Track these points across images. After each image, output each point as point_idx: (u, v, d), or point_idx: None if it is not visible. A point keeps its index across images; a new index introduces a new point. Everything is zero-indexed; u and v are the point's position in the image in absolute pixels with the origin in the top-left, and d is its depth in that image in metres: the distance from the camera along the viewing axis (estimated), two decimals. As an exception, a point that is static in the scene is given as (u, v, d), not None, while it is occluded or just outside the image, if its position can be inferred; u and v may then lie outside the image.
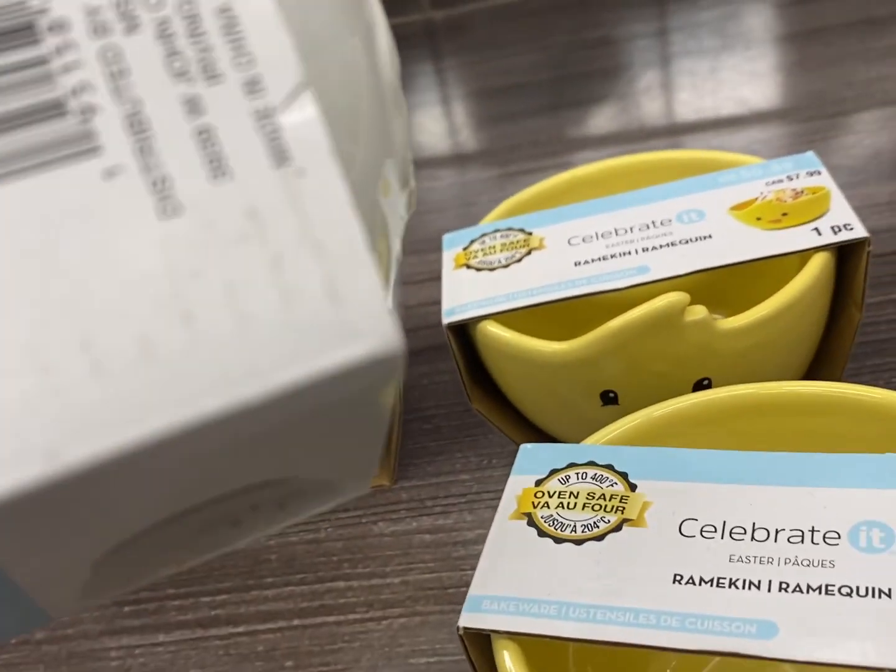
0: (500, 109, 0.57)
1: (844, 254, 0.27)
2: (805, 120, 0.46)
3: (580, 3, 0.66)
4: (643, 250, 0.28)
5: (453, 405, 0.34)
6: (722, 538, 0.19)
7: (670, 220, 0.28)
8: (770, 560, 0.18)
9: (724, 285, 0.30)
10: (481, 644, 0.19)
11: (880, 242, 0.36)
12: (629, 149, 0.48)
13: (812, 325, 0.27)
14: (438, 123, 0.58)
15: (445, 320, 0.28)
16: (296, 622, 0.28)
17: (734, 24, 0.57)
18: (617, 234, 0.29)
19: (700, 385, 0.25)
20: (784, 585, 0.18)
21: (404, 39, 0.78)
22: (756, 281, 0.28)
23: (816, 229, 0.26)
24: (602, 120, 0.52)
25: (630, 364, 0.25)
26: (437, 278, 0.30)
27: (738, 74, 0.52)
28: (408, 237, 0.46)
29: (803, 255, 0.26)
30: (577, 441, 0.23)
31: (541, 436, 0.30)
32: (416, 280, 0.40)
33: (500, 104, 0.57)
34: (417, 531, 0.30)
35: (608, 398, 0.26)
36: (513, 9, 0.69)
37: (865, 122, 0.44)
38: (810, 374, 0.29)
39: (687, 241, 0.27)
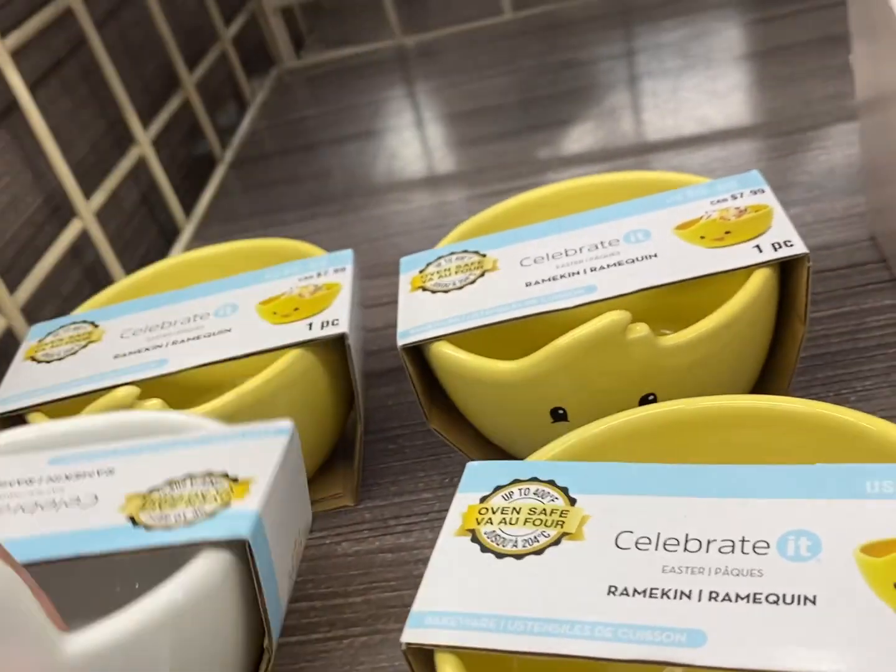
0: (470, 132, 0.58)
1: (788, 269, 0.28)
2: (763, 137, 0.47)
3: (547, 28, 0.68)
4: (591, 270, 0.28)
5: (417, 425, 0.35)
6: (656, 550, 0.20)
7: (618, 241, 0.29)
8: (701, 570, 0.19)
9: (672, 303, 0.30)
10: (426, 659, 0.20)
11: (834, 256, 0.37)
12: (595, 169, 0.48)
13: (756, 339, 0.28)
14: (409, 147, 0.58)
15: (400, 342, 0.28)
16: (259, 643, 0.29)
17: (696, 44, 0.58)
18: (567, 255, 0.29)
19: (645, 400, 0.26)
20: (714, 595, 0.18)
21: (377, 65, 0.79)
22: (703, 298, 0.29)
23: (758, 246, 0.27)
24: (569, 142, 0.53)
25: (576, 381, 0.26)
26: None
27: (699, 94, 0.53)
28: (374, 260, 0.47)
29: (748, 272, 0.27)
30: (531, 458, 0.23)
31: (498, 453, 0.31)
32: (381, 302, 0.41)
33: (471, 127, 0.58)
34: (380, 550, 0.30)
35: (558, 415, 0.27)
36: (482, 33, 0.70)
37: (821, 139, 0.44)
38: (758, 387, 0.29)
39: (633, 261, 0.28)
